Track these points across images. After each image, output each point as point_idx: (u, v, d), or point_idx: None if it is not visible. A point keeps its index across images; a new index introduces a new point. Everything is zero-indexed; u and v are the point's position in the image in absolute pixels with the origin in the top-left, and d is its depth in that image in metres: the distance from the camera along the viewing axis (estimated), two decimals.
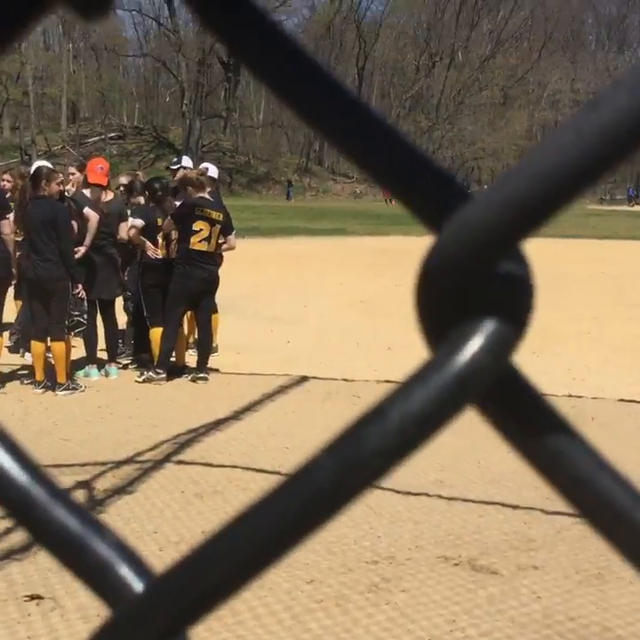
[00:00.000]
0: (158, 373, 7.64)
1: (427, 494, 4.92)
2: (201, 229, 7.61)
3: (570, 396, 7.37)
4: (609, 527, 0.26)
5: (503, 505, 4.88)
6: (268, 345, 9.39)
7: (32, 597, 3.68)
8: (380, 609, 3.67)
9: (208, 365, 7.89)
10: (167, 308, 7.76)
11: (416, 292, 0.26)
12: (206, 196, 7.73)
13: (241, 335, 9.67)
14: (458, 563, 4.10)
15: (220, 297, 9.06)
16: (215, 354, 8.80)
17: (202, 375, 7.75)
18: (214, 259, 7.94)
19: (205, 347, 7.92)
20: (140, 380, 7.65)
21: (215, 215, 7.72)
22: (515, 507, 4.85)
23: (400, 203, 0.27)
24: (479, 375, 0.24)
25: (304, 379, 7.76)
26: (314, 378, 7.79)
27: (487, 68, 72.89)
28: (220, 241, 7.88)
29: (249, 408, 6.82)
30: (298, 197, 56.32)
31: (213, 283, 8.00)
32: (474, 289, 0.25)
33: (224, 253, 8.33)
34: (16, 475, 0.28)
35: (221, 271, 8.95)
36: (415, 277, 0.26)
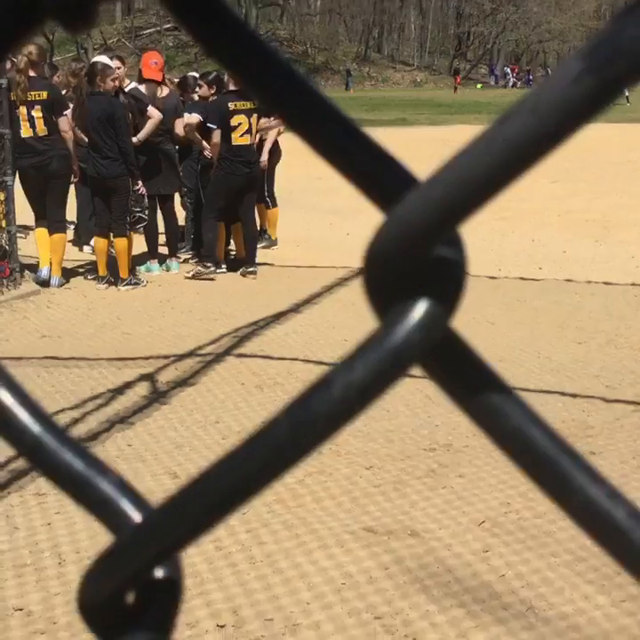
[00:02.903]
0: (207, 267, 7.65)
1: None
2: (240, 123, 7.50)
3: (633, 284, 7.25)
4: (537, 474, 0.31)
5: (562, 394, 4.88)
6: (328, 238, 9.37)
7: None
8: (437, 493, 3.75)
9: (257, 259, 7.86)
10: (206, 201, 7.74)
11: (363, 272, 0.29)
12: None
13: (300, 228, 9.67)
14: None
15: (280, 190, 9.03)
16: (275, 247, 8.84)
17: (251, 269, 7.75)
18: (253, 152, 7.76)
19: (250, 240, 7.85)
20: (189, 275, 7.67)
21: (250, 105, 7.45)
22: (574, 395, 4.85)
23: (353, 185, 0.31)
24: (411, 350, 0.29)
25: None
26: None
27: None
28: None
29: (308, 301, 6.86)
30: (357, 87, 55.24)
31: (256, 179, 7.82)
32: (410, 273, 0.29)
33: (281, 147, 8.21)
34: (29, 424, 0.34)
35: (281, 164, 8.90)
36: (362, 258, 0.29)
